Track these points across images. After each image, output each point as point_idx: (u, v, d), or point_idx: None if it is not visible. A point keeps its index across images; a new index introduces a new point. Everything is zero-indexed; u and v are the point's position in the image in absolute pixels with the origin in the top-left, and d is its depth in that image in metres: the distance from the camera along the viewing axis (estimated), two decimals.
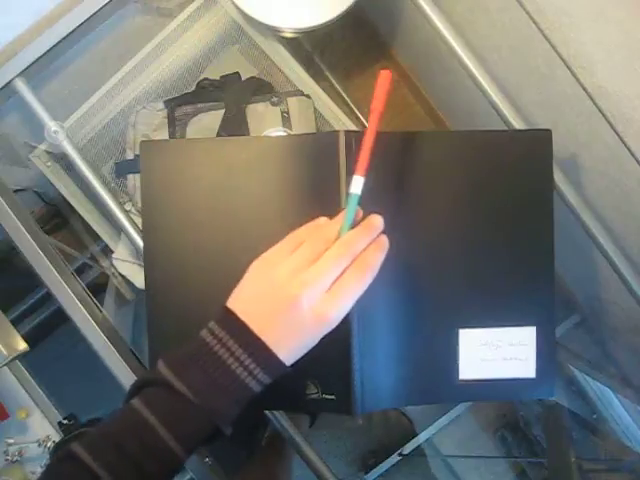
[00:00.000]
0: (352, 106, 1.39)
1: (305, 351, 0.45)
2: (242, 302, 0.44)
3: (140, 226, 0.65)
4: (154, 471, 0.39)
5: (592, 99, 0.62)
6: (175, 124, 0.89)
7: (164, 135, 0.88)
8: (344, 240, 0.45)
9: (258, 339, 0.42)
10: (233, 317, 0.42)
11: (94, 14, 0.71)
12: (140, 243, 0.65)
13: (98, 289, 1.15)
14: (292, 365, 0.45)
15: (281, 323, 0.42)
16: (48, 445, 0.74)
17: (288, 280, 0.43)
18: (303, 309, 0.42)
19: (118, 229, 0.93)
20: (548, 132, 0.62)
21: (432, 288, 0.61)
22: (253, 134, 0.87)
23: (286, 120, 0.87)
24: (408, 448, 1.30)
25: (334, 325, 0.44)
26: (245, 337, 0.42)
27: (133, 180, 0.90)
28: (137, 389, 0.42)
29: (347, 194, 0.48)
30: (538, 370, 0.62)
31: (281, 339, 0.42)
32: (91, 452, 0.38)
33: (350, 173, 0.57)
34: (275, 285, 0.43)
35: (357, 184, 0.48)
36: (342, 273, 0.44)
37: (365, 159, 0.48)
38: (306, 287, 0.42)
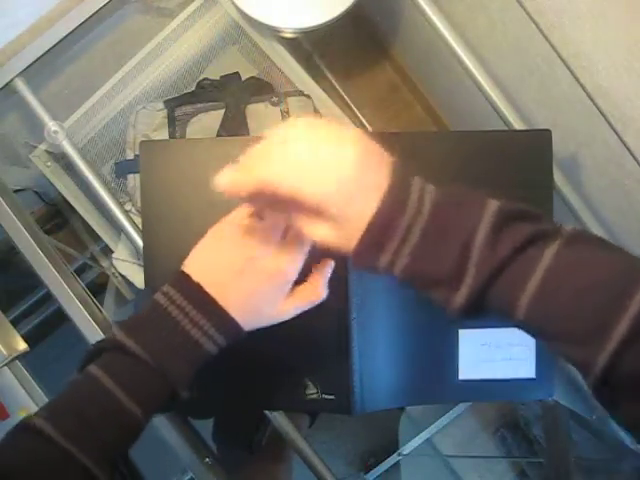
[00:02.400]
0: (352, 106, 1.39)
1: (263, 316, 0.44)
2: (197, 264, 0.44)
3: (140, 226, 0.65)
4: (114, 435, 0.39)
5: (592, 99, 0.62)
6: (175, 124, 0.89)
7: (164, 135, 0.88)
8: None
9: (211, 299, 0.41)
10: (186, 278, 0.42)
11: (94, 14, 0.71)
12: (140, 243, 0.65)
13: (98, 289, 1.15)
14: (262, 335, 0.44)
15: (237, 285, 0.42)
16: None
17: (243, 242, 0.43)
18: (255, 266, 0.42)
19: (118, 229, 0.93)
20: (548, 132, 0.62)
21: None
22: (253, 134, 0.87)
23: (286, 120, 0.87)
24: (408, 448, 1.30)
25: (289, 278, 0.43)
26: (197, 296, 0.41)
27: (133, 180, 0.90)
28: (93, 355, 0.42)
29: None
30: (538, 370, 0.62)
31: (236, 302, 0.42)
32: (50, 420, 0.37)
33: None
34: (231, 246, 0.44)
35: None
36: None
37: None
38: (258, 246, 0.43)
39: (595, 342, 0.30)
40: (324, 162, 0.36)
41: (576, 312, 0.31)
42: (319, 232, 0.38)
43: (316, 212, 0.36)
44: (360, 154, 0.36)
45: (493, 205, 0.34)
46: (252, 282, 0.43)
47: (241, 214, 0.45)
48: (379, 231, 0.35)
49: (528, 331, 0.35)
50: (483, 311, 0.35)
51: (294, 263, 0.43)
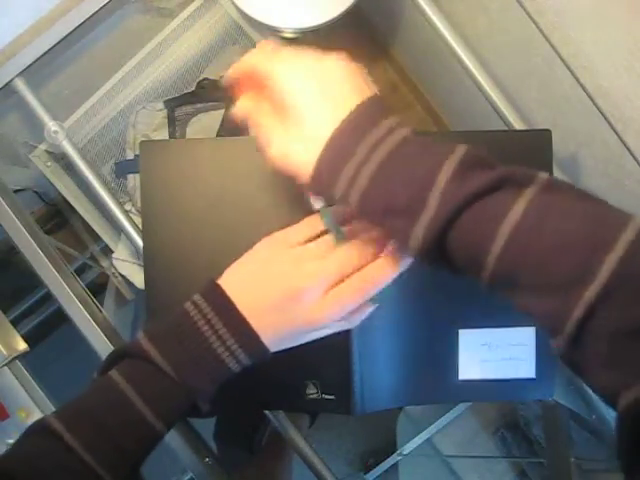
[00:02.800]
0: None
1: (288, 345, 0.43)
2: (235, 278, 0.42)
3: (140, 226, 0.65)
4: (132, 447, 0.38)
5: (592, 99, 0.62)
6: (175, 124, 0.89)
7: (164, 135, 0.88)
8: (356, 245, 0.41)
9: (243, 319, 0.40)
10: (220, 292, 0.41)
11: (94, 14, 0.71)
12: (140, 243, 0.65)
13: (98, 289, 1.15)
14: (284, 359, 0.43)
15: (273, 310, 0.40)
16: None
17: (292, 269, 0.40)
18: (301, 303, 0.40)
19: (118, 229, 0.93)
20: (548, 132, 0.62)
21: (432, 288, 0.61)
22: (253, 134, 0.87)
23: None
24: (408, 448, 1.30)
25: (318, 329, 0.42)
26: (229, 315, 0.40)
27: (133, 180, 0.90)
28: (115, 359, 0.41)
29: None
30: (538, 370, 0.62)
31: (269, 326, 0.40)
32: (67, 426, 0.37)
33: None
34: (277, 270, 0.41)
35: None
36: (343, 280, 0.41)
37: None
38: (310, 281, 0.40)
39: (570, 291, 0.27)
40: (310, 65, 0.38)
41: (552, 260, 0.28)
42: (277, 139, 0.37)
43: (284, 111, 0.36)
44: (346, 69, 0.37)
45: (463, 147, 0.32)
46: (290, 323, 0.41)
47: (298, 232, 0.43)
48: (340, 148, 0.33)
49: (493, 284, 0.32)
50: (443, 256, 0.33)
51: (331, 319, 0.41)
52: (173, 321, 0.41)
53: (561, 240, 0.29)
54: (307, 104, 0.35)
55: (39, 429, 0.37)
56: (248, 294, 0.41)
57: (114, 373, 0.39)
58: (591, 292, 0.26)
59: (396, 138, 0.33)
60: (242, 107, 0.42)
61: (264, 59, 0.38)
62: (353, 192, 0.33)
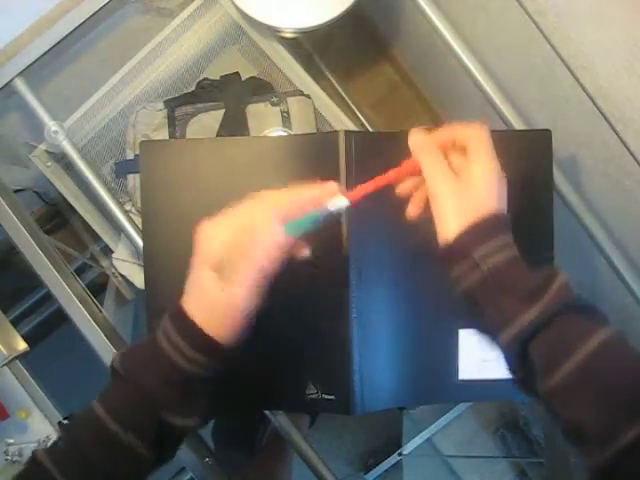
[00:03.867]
0: (352, 106, 1.39)
1: (238, 328, 0.41)
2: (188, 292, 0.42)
3: (140, 226, 0.65)
4: (111, 467, 0.38)
5: (592, 99, 0.62)
6: (175, 124, 0.89)
7: (164, 135, 0.88)
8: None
9: (184, 315, 0.40)
10: (178, 309, 0.41)
11: (94, 14, 0.71)
12: (140, 243, 0.65)
13: (98, 289, 1.15)
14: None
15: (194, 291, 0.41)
16: (48, 445, 0.74)
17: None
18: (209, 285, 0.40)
19: (118, 229, 0.93)
20: (548, 132, 0.62)
21: (432, 288, 0.61)
22: (253, 134, 0.87)
23: (286, 120, 0.87)
24: (408, 448, 1.30)
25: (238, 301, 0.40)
26: (177, 316, 0.40)
27: (133, 180, 0.90)
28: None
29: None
30: None
31: (200, 311, 0.40)
32: (49, 452, 0.39)
33: (350, 173, 0.57)
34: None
35: (339, 203, 0.44)
36: None
37: (362, 192, 0.46)
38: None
39: (623, 421, 0.33)
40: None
41: (603, 400, 0.34)
42: (448, 194, 0.43)
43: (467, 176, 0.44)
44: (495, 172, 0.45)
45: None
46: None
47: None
48: (487, 226, 0.41)
49: (552, 395, 0.37)
50: (525, 357, 0.39)
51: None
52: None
53: (613, 387, 0.35)
54: (490, 182, 0.44)
55: (30, 460, 0.39)
56: (188, 296, 0.41)
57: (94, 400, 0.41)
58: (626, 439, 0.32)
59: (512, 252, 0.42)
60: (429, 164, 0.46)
61: (467, 129, 0.45)
62: (485, 263, 0.40)
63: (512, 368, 0.40)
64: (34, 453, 0.39)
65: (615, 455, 0.32)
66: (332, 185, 0.44)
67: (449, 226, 0.42)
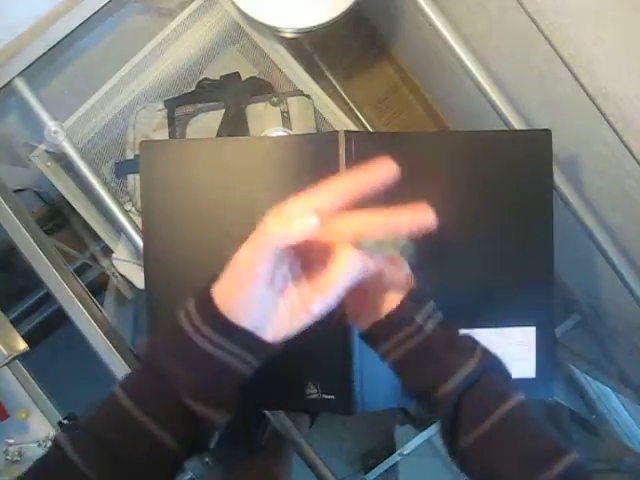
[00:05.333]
0: (352, 106, 1.39)
1: (246, 304, 0.39)
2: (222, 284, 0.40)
3: (140, 226, 0.65)
4: (130, 451, 0.38)
5: (592, 99, 0.62)
6: (175, 124, 0.89)
7: (164, 135, 0.88)
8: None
9: (209, 295, 0.39)
10: (205, 291, 0.40)
11: (94, 14, 0.71)
12: (140, 243, 0.65)
13: (98, 289, 1.15)
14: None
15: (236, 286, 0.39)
16: (48, 445, 0.74)
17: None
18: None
19: (118, 229, 0.93)
20: (548, 132, 0.62)
21: (432, 288, 0.61)
22: (253, 134, 0.87)
23: (286, 120, 0.87)
24: (408, 448, 1.30)
25: (253, 275, 0.39)
26: (202, 299, 0.40)
27: (133, 180, 0.90)
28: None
29: None
30: (538, 370, 0.62)
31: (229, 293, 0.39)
32: (70, 438, 0.38)
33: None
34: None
35: None
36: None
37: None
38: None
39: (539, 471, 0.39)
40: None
41: (521, 451, 0.41)
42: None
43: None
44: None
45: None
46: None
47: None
48: (416, 295, 0.46)
49: (474, 446, 0.42)
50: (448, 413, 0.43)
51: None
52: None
53: (525, 446, 0.42)
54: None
55: (52, 444, 0.39)
56: (223, 283, 0.40)
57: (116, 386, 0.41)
58: (553, 472, 0.39)
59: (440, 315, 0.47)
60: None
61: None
62: (429, 322, 0.45)
63: (445, 418, 0.43)
64: (57, 438, 0.38)
65: None
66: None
67: (387, 302, 0.45)
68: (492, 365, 0.44)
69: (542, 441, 0.42)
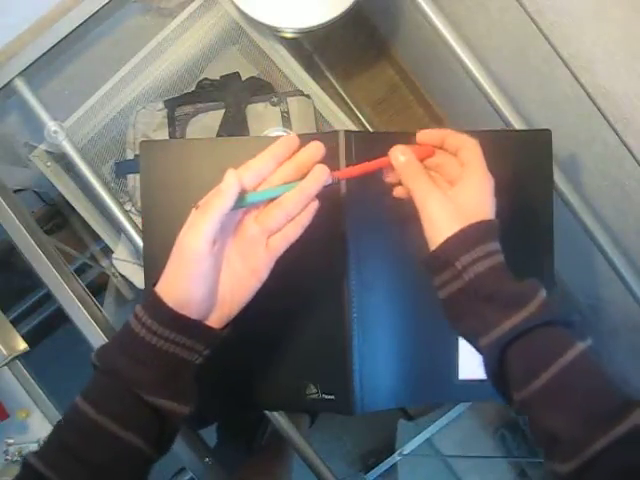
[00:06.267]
0: (352, 106, 1.39)
1: (191, 289, 0.41)
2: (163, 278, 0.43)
3: (140, 226, 0.65)
4: (98, 456, 0.38)
5: (592, 99, 0.62)
6: (175, 124, 0.89)
7: (164, 135, 0.88)
8: None
9: (156, 296, 0.41)
10: (153, 294, 0.42)
11: (94, 14, 0.71)
12: (140, 243, 0.65)
13: (98, 289, 1.15)
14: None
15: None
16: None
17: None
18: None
19: (118, 229, 0.93)
20: (548, 132, 0.62)
21: (432, 288, 0.61)
22: (253, 134, 0.87)
23: (286, 120, 0.87)
24: (408, 448, 1.30)
25: (197, 254, 0.41)
26: (146, 299, 0.42)
27: (133, 180, 0.90)
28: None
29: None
30: None
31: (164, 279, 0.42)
32: (40, 456, 0.38)
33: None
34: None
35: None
36: None
37: (350, 173, 0.49)
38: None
39: (599, 426, 0.34)
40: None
41: (578, 410, 0.36)
42: (434, 195, 0.44)
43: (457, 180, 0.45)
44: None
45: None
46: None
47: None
48: (472, 234, 0.42)
49: (527, 401, 0.38)
50: (501, 363, 0.40)
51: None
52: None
53: (587, 398, 0.37)
54: (485, 190, 0.44)
55: (22, 464, 0.39)
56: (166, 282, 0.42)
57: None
58: (618, 432, 0.33)
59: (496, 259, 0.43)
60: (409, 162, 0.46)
61: (459, 139, 0.46)
62: (467, 273, 0.41)
63: (491, 372, 0.41)
64: (25, 458, 0.39)
65: (587, 460, 0.33)
66: (321, 168, 0.43)
67: (437, 236, 0.43)
68: (551, 315, 0.39)
69: (605, 396, 0.36)
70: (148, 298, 0.41)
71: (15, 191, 0.93)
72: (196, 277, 0.41)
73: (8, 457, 0.73)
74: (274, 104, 0.88)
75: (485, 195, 0.44)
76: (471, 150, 0.45)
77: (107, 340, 0.70)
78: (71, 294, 0.70)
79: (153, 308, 0.41)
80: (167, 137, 0.88)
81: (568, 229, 0.68)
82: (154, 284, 0.43)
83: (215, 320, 0.43)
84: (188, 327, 0.41)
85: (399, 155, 0.45)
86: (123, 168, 0.91)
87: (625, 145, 0.61)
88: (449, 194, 0.44)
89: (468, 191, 0.44)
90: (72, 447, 0.38)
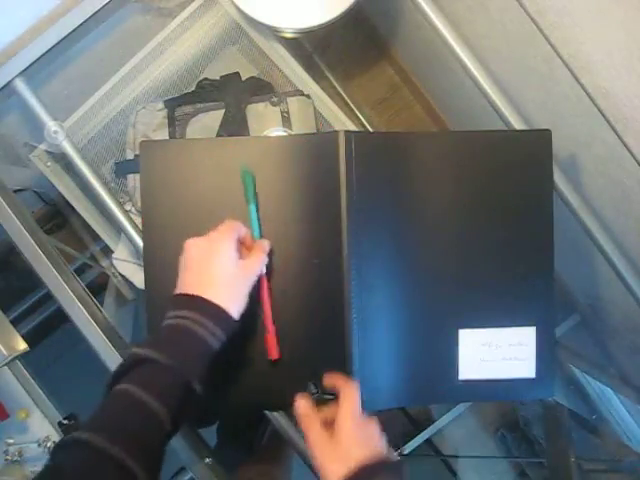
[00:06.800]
0: (352, 106, 1.39)
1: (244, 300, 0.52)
2: (188, 282, 0.51)
3: (140, 226, 0.65)
4: (152, 439, 0.43)
5: (592, 99, 0.62)
6: (175, 124, 0.89)
7: (164, 135, 0.88)
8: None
9: (206, 301, 0.49)
10: (182, 295, 0.50)
11: (94, 14, 0.71)
12: (140, 243, 0.65)
13: (98, 289, 1.15)
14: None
15: (219, 282, 0.50)
16: (48, 445, 0.74)
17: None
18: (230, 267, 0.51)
19: (118, 229, 0.93)
20: (548, 132, 0.62)
21: (432, 288, 0.61)
22: (253, 134, 0.87)
23: (286, 120, 0.87)
24: (408, 448, 1.30)
25: (255, 271, 0.54)
26: (197, 302, 0.49)
27: (133, 180, 0.90)
28: (121, 373, 0.46)
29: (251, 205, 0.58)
30: (538, 370, 0.62)
31: (221, 293, 0.50)
32: (101, 435, 0.41)
33: (350, 174, 0.57)
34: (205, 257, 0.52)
35: None
36: None
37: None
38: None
39: None
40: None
41: None
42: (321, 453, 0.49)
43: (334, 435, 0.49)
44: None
45: None
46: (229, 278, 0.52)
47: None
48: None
49: None
50: None
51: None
52: (158, 331, 0.50)
53: None
54: (350, 434, 0.49)
55: (71, 444, 0.41)
56: (197, 283, 0.50)
57: (122, 385, 0.45)
58: None
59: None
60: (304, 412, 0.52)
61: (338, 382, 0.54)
62: None
63: None
64: (89, 439, 0.40)
65: None
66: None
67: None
68: None
69: None
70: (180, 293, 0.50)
71: (15, 191, 0.93)
72: (222, 273, 0.52)
73: (8, 457, 0.73)
74: (274, 104, 0.88)
75: (362, 438, 0.48)
76: (345, 396, 0.51)
77: (107, 340, 0.70)
78: (71, 294, 0.70)
79: (196, 303, 0.49)
80: (167, 137, 0.88)
81: (568, 229, 0.68)
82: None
83: (235, 312, 0.51)
84: (214, 313, 0.49)
85: (299, 406, 0.52)
86: (123, 168, 0.91)
87: (625, 145, 0.61)
88: (334, 440, 0.48)
89: (344, 437, 0.48)
90: (133, 430, 0.43)
